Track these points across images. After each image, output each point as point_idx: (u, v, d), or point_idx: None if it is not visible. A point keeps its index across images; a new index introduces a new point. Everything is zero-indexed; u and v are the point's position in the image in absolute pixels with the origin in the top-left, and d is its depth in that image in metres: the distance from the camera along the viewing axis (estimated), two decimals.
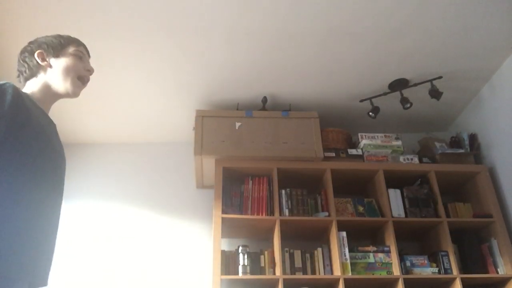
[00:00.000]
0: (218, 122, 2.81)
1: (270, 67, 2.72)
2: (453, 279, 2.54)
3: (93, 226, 2.99)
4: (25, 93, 1.31)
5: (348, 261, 2.52)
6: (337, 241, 2.55)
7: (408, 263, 2.59)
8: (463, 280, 2.51)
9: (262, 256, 2.60)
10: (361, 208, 2.76)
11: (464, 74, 2.88)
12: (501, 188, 2.83)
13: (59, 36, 1.47)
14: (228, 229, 2.70)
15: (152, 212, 3.07)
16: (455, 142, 3.08)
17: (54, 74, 1.41)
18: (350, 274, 2.49)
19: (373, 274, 2.54)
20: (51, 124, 1.39)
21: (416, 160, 2.90)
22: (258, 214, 2.62)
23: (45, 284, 1.22)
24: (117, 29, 2.37)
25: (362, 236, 2.87)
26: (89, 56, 1.53)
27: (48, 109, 1.42)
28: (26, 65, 1.42)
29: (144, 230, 3.00)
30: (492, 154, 2.94)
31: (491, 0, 2.30)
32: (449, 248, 2.61)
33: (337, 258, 2.51)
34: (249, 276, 2.48)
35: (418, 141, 3.22)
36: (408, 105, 2.82)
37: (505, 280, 2.58)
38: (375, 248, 2.62)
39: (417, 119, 3.32)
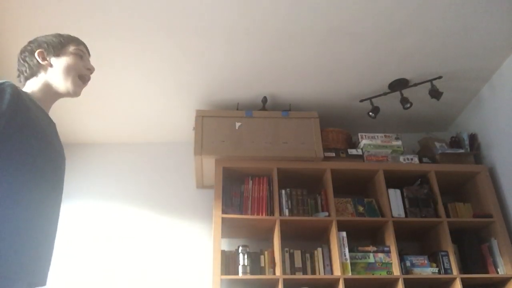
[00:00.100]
0: (218, 122, 2.81)
1: (270, 67, 2.72)
2: (453, 279, 2.54)
3: (93, 226, 2.99)
4: (25, 92, 1.30)
5: (348, 261, 2.52)
6: (337, 241, 2.55)
7: (408, 263, 2.59)
8: (463, 280, 2.51)
9: (262, 256, 2.60)
10: (361, 208, 2.76)
11: (464, 74, 2.88)
12: (501, 188, 2.83)
13: (59, 35, 1.47)
14: (228, 229, 2.70)
15: (152, 212, 3.07)
16: (455, 142, 3.08)
17: (55, 73, 1.41)
18: (350, 274, 2.49)
19: (373, 274, 2.54)
20: (51, 124, 1.39)
21: (416, 160, 2.90)
22: (258, 214, 2.62)
23: (44, 284, 1.22)
24: (117, 29, 2.37)
25: (362, 236, 2.87)
26: (89, 55, 1.53)
27: (48, 109, 1.42)
28: (26, 65, 1.42)
29: (144, 230, 3.00)
30: (492, 154, 2.94)
31: (491, 0, 2.30)
32: (449, 248, 2.61)
33: (337, 258, 2.51)
34: (249, 276, 2.48)
35: (418, 141, 3.22)
36: (408, 105, 2.82)
37: (505, 280, 2.58)
38: (375, 248, 2.62)
39: (417, 119, 3.32)
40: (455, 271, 2.54)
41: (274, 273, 2.51)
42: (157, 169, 3.24)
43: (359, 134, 2.98)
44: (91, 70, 1.49)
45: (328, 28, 2.44)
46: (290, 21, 2.38)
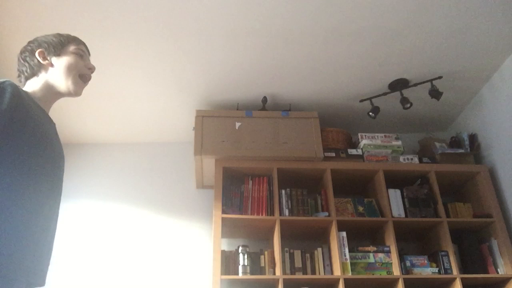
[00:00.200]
0: (218, 122, 2.81)
1: (270, 67, 2.72)
2: (453, 279, 2.54)
3: (93, 226, 2.98)
4: (25, 92, 1.30)
5: (348, 261, 2.52)
6: (337, 241, 2.55)
7: (408, 263, 2.59)
8: (463, 280, 2.51)
9: (262, 256, 2.60)
10: (361, 208, 2.76)
11: (464, 74, 2.88)
12: (501, 188, 2.83)
13: (59, 35, 1.47)
14: (228, 229, 2.70)
15: (152, 212, 3.07)
16: (455, 142, 3.09)
17: (56, 72, 1.41)
18: (350, 274, 2.49)
19: (373, 274, 2.54)
20: (51, 124, 1.39)
21: (416, 160, 2.90)
22: (258, 214, 2.62)
23: (43, 284, 1.22)
24: (117, 30, 2.37)
25: (362, 236, 2.87)
26: (89, 54, 1.53)
27: (48, 108, 1.42)
28: (27, 65, 1.42)
29: (144, 230, 3.00)
30: (492, 154, 2.94)
31: (491, 0, 2.31)
32: (449, 248, 2.61)
33: (337, 258, 2.51)
34: (249, 276, 2.48)
35: (418, 141, 3.22)
36: (408, 105, 2.82)
37: (505, 280, 2.58)
38: (375, 248, 2.62)
39: (417, 119, 3.32)
40: (455, 271, 2.54)
41: (274, 273, 2.51)
42: (157, 169, 3.24)
43: (359, 134, 2.98)
44: (91, 69, 1.49)
45: (328, 28, 2.44)
46: (290, 21, 2.38)
